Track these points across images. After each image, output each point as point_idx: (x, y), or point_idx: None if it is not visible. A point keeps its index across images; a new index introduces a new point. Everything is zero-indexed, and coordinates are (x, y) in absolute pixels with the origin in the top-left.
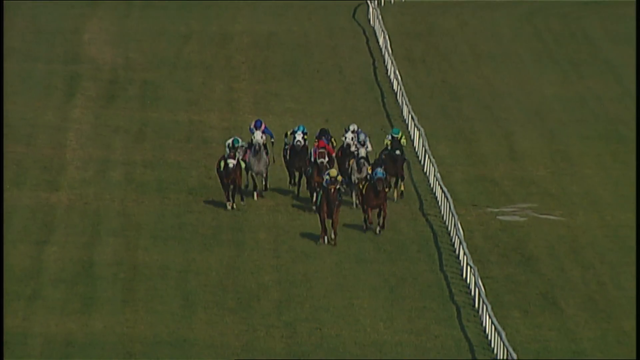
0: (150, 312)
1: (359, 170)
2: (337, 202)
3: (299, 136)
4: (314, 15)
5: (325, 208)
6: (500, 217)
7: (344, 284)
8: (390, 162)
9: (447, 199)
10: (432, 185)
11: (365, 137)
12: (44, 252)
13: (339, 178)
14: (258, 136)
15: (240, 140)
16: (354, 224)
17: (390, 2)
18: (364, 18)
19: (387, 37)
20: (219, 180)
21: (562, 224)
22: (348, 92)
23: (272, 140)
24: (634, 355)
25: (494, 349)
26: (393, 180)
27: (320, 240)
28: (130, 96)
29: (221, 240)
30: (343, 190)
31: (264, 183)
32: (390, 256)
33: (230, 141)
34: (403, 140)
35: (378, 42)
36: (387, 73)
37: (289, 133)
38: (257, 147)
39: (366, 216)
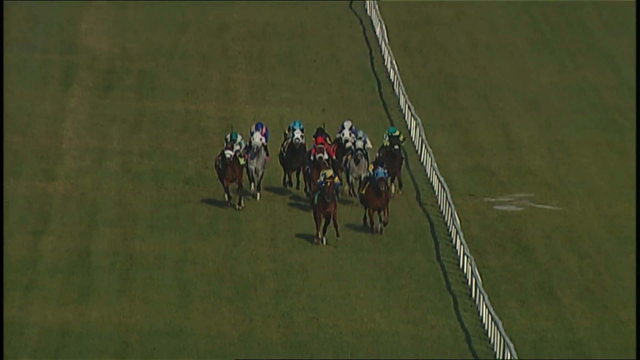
0: (147, 301)
1: (356, 162)
2: (332, 196)
3: (297, 134)
4: (311, 5)
5: (320, 205)
6: (497, 207)
7: (341, 274)
8: (389, 159)
9: (444, 189)
10: (428, 175)
11: (364, 135)
12: (40, 242)
13: (337, 179)
14: (257, 138)
15: (238, 135)
16: (350, 215)
17: None
18: (361, 8)
19: (383, 26)
20: (218, 178)
21: (559, 214)
22: (345, 81)
23: (265, 143)
24: (631, 345)
25: (490, 338)
26: (390, 178)
27: (315, 241)
28: (127, 86)
29: (218, 230)
30: (340, 196)
31: (257, 188)
32: (387, 246)
33: (228, 135)
34: (402, 138)
35: (375, 32)
36: (383, 63)
37: (287, 131)
38: (255, 149)
39: (367, 216)
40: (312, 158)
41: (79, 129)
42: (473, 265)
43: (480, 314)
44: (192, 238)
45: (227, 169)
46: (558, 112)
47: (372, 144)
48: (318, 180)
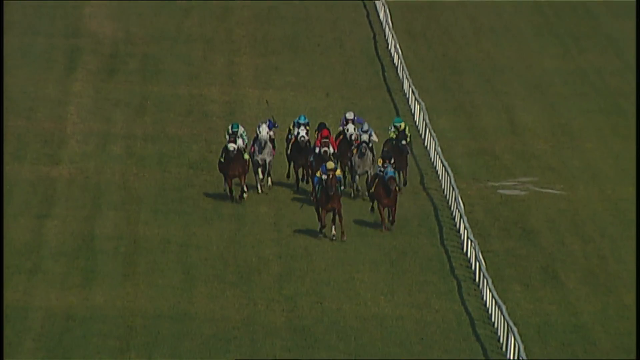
0: (151, 285)
1: (361, 156)
2: (334, 189)
3: (302, 131)
4: None
5: (323, 199)
6: (501, 191)
7: (345, 258)
8: (396, 153)
9: (448, 173)
10: (432, 159)
11: (369, 127)
12: (44, 226)
13: (338, 172)
14: (264, 131)
15: (239, 125)
16: (355, 201)
17: None
18: None
19: (387, 10)
20: (219, 170)
21: (563, 198)
22: (349, 65)
23: (277, 125)
24: (634, 329)
25: (494, 322)
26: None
27: (320, 234)
28: (131, 70)
29: (222, 214)
30: (343, 188)
31: (267, 174)
32: (390, 230)
33: (229, 127)
34: (407, 131)
35: (379, 16)
36: (387, 47)
37: (291, 127)
38: (262, 143)
39: (377, 210)
40: (317, 151)
41: (83, 113)
42: (477, 250)
43: (484, 298)
44: (196, 222)
45: (230, 164)
46: (562, 96)
47: (377, 137)
48: (319, 174)
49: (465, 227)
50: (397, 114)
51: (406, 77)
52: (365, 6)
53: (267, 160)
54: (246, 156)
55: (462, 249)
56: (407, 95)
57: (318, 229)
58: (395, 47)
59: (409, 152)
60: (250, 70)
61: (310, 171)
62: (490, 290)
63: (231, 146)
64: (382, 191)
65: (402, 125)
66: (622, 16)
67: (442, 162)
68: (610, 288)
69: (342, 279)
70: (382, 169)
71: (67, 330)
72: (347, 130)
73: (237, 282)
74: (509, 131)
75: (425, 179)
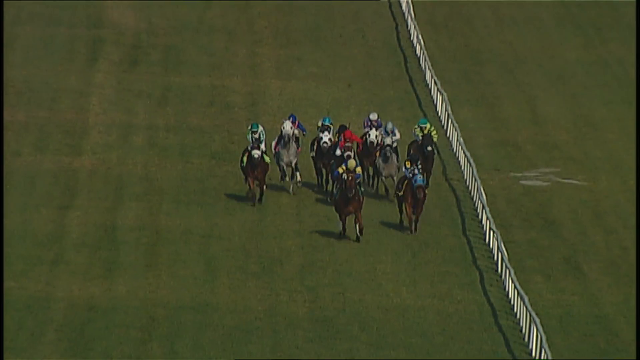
0: (173, 276)
1: (385, 160)
2: (354, 192)
3: (325, 137)
4: None
5: (341, 201)
6: (523, 182)
7: (367, 249)
8: (421, 157)
9: (470, 164)
10: (454, 150)
11: (393, 126)
12: (66, 217)
13: (358, 170)
14: (288, 126)
15: (259, 125)
16: (375, 194)
17: None
18: None
19: (409, 1)
20: (243, 175)
21: (585, 189)
22: (371, 56)
23: (304, 133)
24: None
25: (516, 313)
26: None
27: (341, 235)
28: (153, 61)
29: (244, 205)
30: (363, 190)
31: (294, 174)
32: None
33: (249, 126)
34: (434, 134)
35: (401, 7)
36: (409, 37)
37: (319, 125)
38: (286, 138)
39: (403, 214)
40: (338, 153)
41: (105, 103)
42: (499, 240)
43: (506, 288)
44: (218, 213)
45: (251, 168)
46: (584, 86)
47: (400, 134)
48: (337, 172)
49: (487, 218)
50: (419, 105)
51: (428, 68)
52: None
53: (293, 162)
54: (267, 159)
55: (484, 239)
56: (430, 86)
57: (338, 232)
58: (417, 37)
59: (434, 157)
60: (272, 61)
61: (330, 174)
62: (512, 281)
63: (256, 153)
64: (410, 197)
65: (428, 126)
66: None
67: (464, 152)
68: (632, 279)
69: (364, 270)
70: (411, 173)
71: (89, 321)
72: (369, 136)
73: (259, 273)
74: (531, 122)
75: (447, 170)
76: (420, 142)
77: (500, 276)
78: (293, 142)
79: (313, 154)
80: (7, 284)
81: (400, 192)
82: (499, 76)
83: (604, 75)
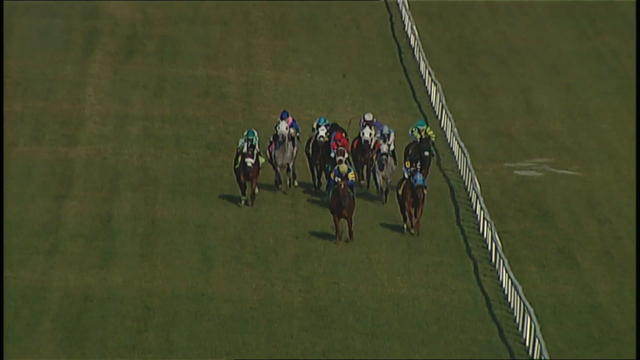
0: (169, 266)
1: (381, 168)
2: (348, 199)
3: (322, 131)
4: None
5: (335, 206)
6: (517, 172)
7: (361, 239)
8: (416, 156)
9: (464, 154)
10: (449, 141)
11: (390, 129)
12: (62, 207)
13: (350, 175)
14: (283, 127)
15: (255, 132)
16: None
17: None
18: None
19: None
20: (235, 177)
21: (579, 179)
22: (365, 47)
23: (298, 134)
24: None
25: (510, 303)
26: None
27: (337, 239)
28: (148, 51)
29: (239, 195)
30: (360, 186)
31: (290, 177)
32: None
33: (245, 133)
34: (432, 134)
35: None
36: (404, 28)
37: (314, 126)
38: (281, 138)
39: (406, 220)
40: (332, 155)
41: (101, 94)
42: (493, 230)
43: (500, 278)
44: (213, 203)
45: (244, 173)
46: (578, 77)
47: (394, 135)
48: (332, 180)
49: (481, 208)
50: (414, 96)
51: (422, 59)
52: None
53: (290, 165)
54: (262, 160)
55: (479, 229)
56: (424, 77)
57: (335, 235)
58: (411, 28)
59: (430, 160)
60: (267, 51)
61: (326, 176)
62: (506, 271)
63: (249, 162)
64: (410, 197)
65: (425, 128)
66: None
67: (458, 143)
68: (626, 269)
69: (359, 260)
70: (411, 173)
71: (85, 310)
72: (363, 134)
73: (254, 263)
74: (525, 112)
75: (441, 160)
76: (417, 144)
77: (495, 266)
78: (289, 143)
79: (310, 150)
80: (3, 273)
81: (399, 190)
82: (493, 67)
83: (598, 66)
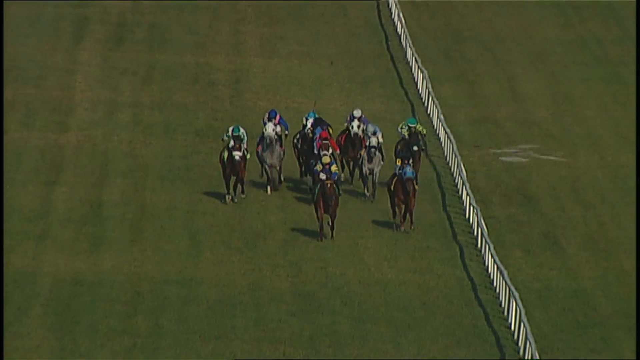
0: (158, 251)
1: (370, 161)
2: (334, 197)
3: (309, 124)
4: None
5: (321, 203)
6: (503, 158)
7: (349, 224)
8: (407, 153)
9: (450, 140)
10: (435, 127)
11: (375, 128)
12: (53, 193)
13: (333, 168)
14: (270, 129)
15: (240, 128)
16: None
17: None
18: None
19: None
20: (221, 171)
21: (563, 165)
22: (352, 34)
23: (287, 132)
24: (634, 294)
25: (496, 287)
26: None
27: (320, 238)
28: (138, 39)
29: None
30: (342, 180)
31: (278, 176)
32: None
33: (230, 129)
34: (423, 130)
35: None
36: (391, 16)
37: (304, 122)
38: (268, 140)
39: (396, 217)
40: (315, 152)
41: (91, 81)
42: (479, 216)
43: (486, 263)
44: (202, 189)
45: (231, 167)
46: (563, 64)
47: (383, 137)
48: (315, 169)
49: (467, 194)
50: (400, 83)
51: (409, 46)
52: None
53: (277, 166)
54: (248, 155)
55: (464, 215)
56: (410, 64)
57: (319, 232)
58: (398, 16)
59: (420, 155)
60: (255, 39)
61: (308, 172)
62: (491, 256)
63: (237, 155)
64: (400, 191)
65: (417, 126)
66: None
67: (444, 129)
68: (610, 254)
69: (346, 245)
70: (402, 169)
71: (75, 295)
72: (352, 127)
73: (242, 248)
74: (511, 99)
75: (428, 146)
76: (406, 140)
77: (480, 251)
78: (276, 144)
79: (298, 144)
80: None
81: (391, 186)
82: (479, 54)
83: (582, 53)
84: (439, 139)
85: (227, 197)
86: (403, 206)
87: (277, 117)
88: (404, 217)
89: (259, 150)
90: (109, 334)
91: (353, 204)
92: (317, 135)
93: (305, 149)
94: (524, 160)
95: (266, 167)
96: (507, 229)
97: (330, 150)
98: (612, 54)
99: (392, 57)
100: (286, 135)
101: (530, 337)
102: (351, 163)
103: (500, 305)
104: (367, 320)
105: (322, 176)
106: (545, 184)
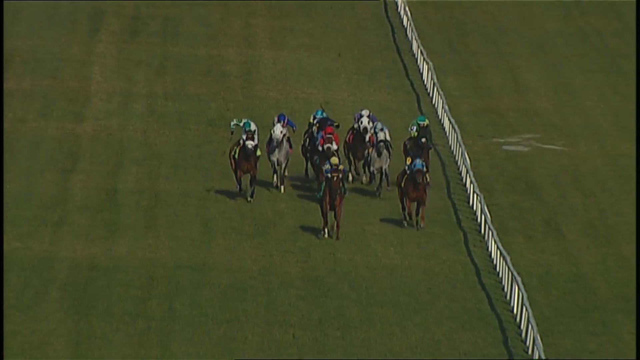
0: (171, 237)
1: (379, 155)
2: (339, 192)
3: (315, 121)
4: None
5: (327, 198)
6: (505, 147)
7: (357, 211)
8: (416, 150)
9: (455, 130)
10: (440, 117)
11: (383, 126)
12: (70, 181)
13: (341, 167)
14: (278, 131)
15: (252, 123)
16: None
17: None
18: None
19: None
20: (231, 167)
21: (565, 154)
22: (360, 27)
23: (294, 129)
24: (633, 278)
25: (499, 272)
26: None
27: (322, 233)
28: (152, 31)
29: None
30: (349, 179)
31: (282, 173)
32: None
33: (237, 122)
34: (430, 128)
35: None
36: (397, 9)
37: (311, 120)
38: (275, 142)
39: (405, 210)
40: (320, 148)
41: (106, 72)
42: (482, 203)
43: (489, 249)
44: (214, 177)
45: (243, 161)
46: (564, 56)
47: (390, 136)
48: (324, 169)
49: (471, 182)
50: (406, 74)
51: (415, 39)
52: None
53: (283, 164)
54: (259, 152)
55: (468, 202)
56: (416, 56)
57: (321, 227)
58: (404, 9)
59: (430, 147)
60: (265, 31)
61: (313, 168)
62: (495, 242)
63: (250, 144)
64: (410, 185)
65: (426, 123)
66: None
67: (449, 119)
68: (609, 239)
69: (354, 232)
70: (412, 163)
71: (91, 280)
72: (362, 123)
73: (253, 235)
74: (513, 90)
75: (433, 136)
76: (415, 137)
77: (484, 237)
78: (285, 144)
79: (307, 145)
80: (13, 244)
81: (402, 183)
82: (482, 46)
83: (583, 45)
84: (444, 128)
85: (237, 187)
86: (414, 204)
87: (285, 120)
88: (417, 212)
89: (268, 151)
90: (123, 317)
91: (360, 192)
92: (322, 132)
93: (310, 149)
94: (526, 149)
95: (274, 161)
96: (509, 215)
97: (335, 146)
98: (612, 46)
99: (398, 50)
100: (294, 131)
101: (532, 320)
102: (360, 162)
103: (503, 289)
104: (374, 304)
105: (327, 167)
106: (547, 172)
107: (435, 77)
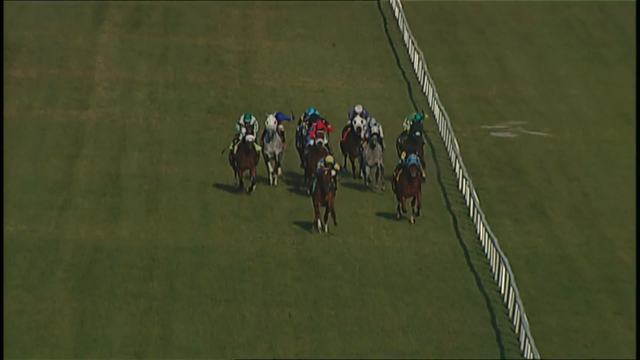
0: (172, 220)
1: (372, 147)
2: (330, 186)
3: (307, 118)
4: None
5: (319, 193)
6: (493, 134)
7: (350, 195)
8: (410, 145)
9: (445, 117)
10: (430, 105)
11: (376, 121)
12: (74, 166)
13: (337, 166)
14: (271, 121)
15: (252, 116)
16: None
17: None
18: None
19: None
20: (230, 162)
21: (550, 140)
22: (353, 18)
23: (291, 119)
24: (615, 259)
25: (487, 254)
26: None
27: (313, 228)
28: (153, 22)
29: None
30: (344, 171)
31: (275, 167)
32: (391, 170)
33: (247, 118)
34: (426, 116)
35: None
36: (389, 1)
37: (302, 117)
38: (270, 133)
39: (400, 204)
40: (311, 143)
41: (110, 62)
42: (471, 187)
43: (478, 231)
44: (213, 162)
45: (243, 156)
46: (549, 46)
47: (383, 132)
48: (317, 167)
49: (460, 167)
50: (398, 63)
51: (406, 29)
52: None
53: (277, 153)
54: (257, 148)
55: (458, 186)
56: (407, 46)
57: (313, 222)
58: (396, 1)
59: (424, 142)
60: (262, 22)
61: (305, 163)
62: (483, 225)
63: (249, 137)
64: (405, 179)
65: (424, 117)
66: None
67: (439, 107)
68: (593, 222)
69: (348, 214)
70: (406, 158)
71: (95, 261)
72: (355, 122)
73: (251, 217)
74: (501, 78)
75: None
76: (408, 132)
77: (472, 220)
78: (277, 135)
79: (298, 142)
80: (19, 227)
81: (396, 178)
82: (471, 37)
83: (568, 35)
84: (434, 116)
85: (237, 182)
86: (409, 199)
87: (278, 116)
88: (413, 210)
89: (262, 142)
90: (126, 297)
91: (354, 177)
92: (313, 125)
93: (300, 146)
94: (513, 135)
95: (267, 154)
96: (497, 199)
97: (326, 141)
98: (595, 36)
99: (390, 39)
100: (293, 118)
101: (518, 300)
102: (355, 159)
103: (491, 270)
104: (367, 284)
105: (320, 165)
106: (533, 157)
107: (425, 66)
